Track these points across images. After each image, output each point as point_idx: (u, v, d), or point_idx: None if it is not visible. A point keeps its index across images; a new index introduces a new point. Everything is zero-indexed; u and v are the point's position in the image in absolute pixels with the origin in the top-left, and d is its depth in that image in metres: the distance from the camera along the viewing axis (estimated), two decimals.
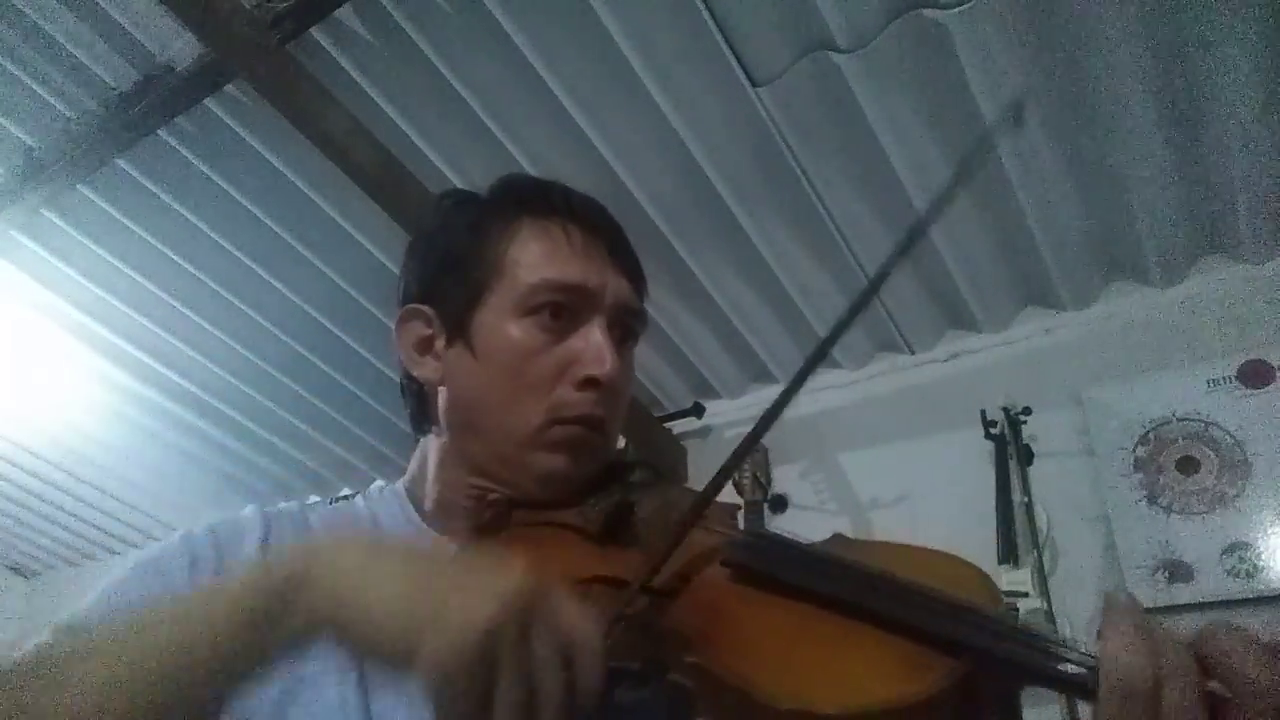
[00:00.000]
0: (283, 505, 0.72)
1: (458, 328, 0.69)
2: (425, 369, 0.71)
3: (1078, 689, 0.42)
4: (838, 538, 0.61)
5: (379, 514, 0.74)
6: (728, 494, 0.69)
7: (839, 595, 0.49)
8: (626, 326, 0.72)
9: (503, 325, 0.68)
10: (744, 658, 0.46)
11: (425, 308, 0.72)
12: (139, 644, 0.46)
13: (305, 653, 0.48)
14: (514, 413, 0.67)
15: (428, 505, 0.73)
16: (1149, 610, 0.44)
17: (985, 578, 0.53)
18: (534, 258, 0.68)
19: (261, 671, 0.47)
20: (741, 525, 0.66)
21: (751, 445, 0.56)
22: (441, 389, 0.71)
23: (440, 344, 0.71)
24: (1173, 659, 0.39)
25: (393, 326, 0.74)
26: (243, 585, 0.47)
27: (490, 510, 0.67)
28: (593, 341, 0.67)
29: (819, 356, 0.60)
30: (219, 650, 0.45)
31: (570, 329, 0.68)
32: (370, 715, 0.58)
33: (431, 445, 0.74)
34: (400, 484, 0.77)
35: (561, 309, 0.67)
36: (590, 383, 0.66)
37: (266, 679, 0.51)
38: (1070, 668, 0.42)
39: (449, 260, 0.71)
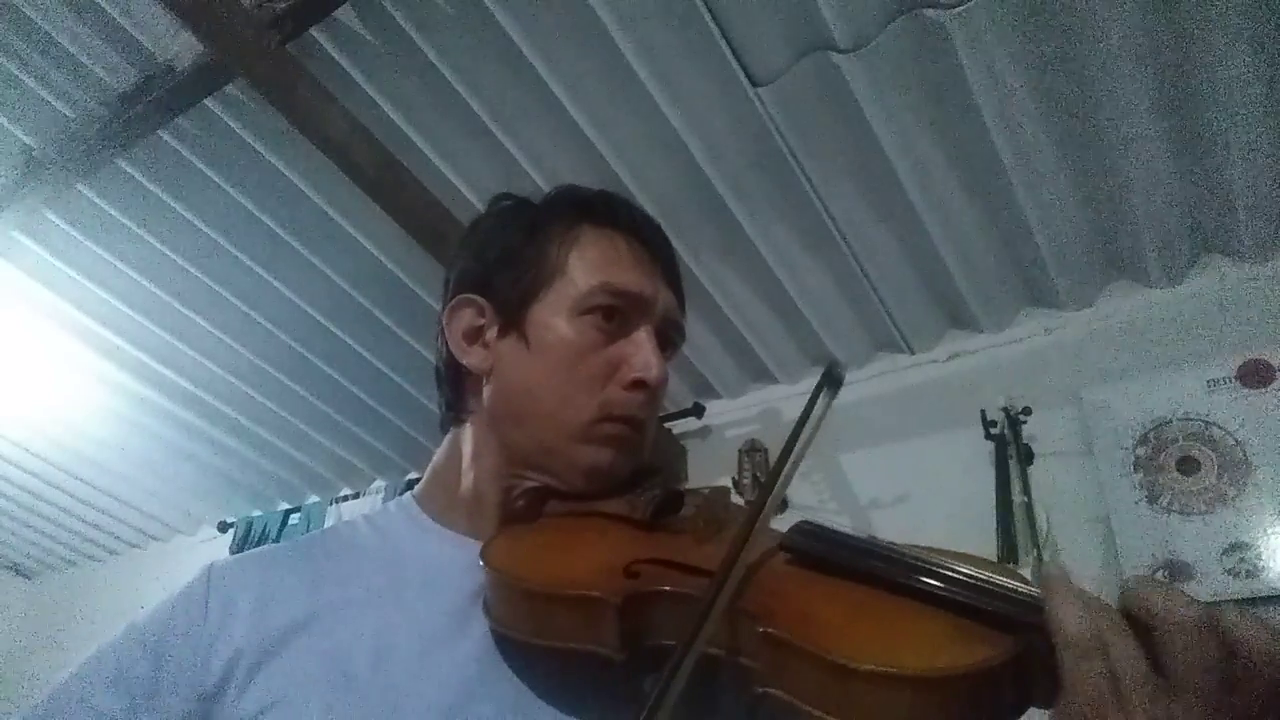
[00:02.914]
0: (256, 550, 0.73)
1: (512, 320, 0.72)
2: (474, 357, 0.74)
3: None
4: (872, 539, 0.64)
5: (385, 529, 0.75)
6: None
7: (895, 577, 0.52)
8: (668, 337, 0.76)
9: (557, 321, 0.71)
10: (816, 627, 0.49)
11: (479, 298, 0.74)
12: None
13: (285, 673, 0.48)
14: (566, 405, 0.69)
15: (453, 497, 0.74)
16: None
17: (1014, 573, 0.55)
18: (593, 262, 0.72)
19: None
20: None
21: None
22: (488, 378, 0.73)
23: (492, 334, 0.73)
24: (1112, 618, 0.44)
25: (442, 316, 0.76)
26: None
27: (524, 499, 0.71)
28: (643, 347, 0.70)
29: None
30: None
31: (620, 333, 0.71)
32: None
33: (467, 435, 0.75)
34: (409, 496, 0.78)
35: (614, 312, 0.71)
36: (639, 384, 0.69)
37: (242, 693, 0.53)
38: None
39: (507, 256, 0.74)
